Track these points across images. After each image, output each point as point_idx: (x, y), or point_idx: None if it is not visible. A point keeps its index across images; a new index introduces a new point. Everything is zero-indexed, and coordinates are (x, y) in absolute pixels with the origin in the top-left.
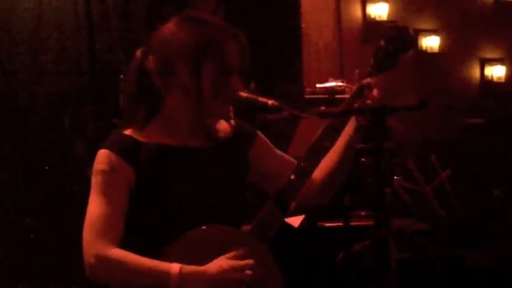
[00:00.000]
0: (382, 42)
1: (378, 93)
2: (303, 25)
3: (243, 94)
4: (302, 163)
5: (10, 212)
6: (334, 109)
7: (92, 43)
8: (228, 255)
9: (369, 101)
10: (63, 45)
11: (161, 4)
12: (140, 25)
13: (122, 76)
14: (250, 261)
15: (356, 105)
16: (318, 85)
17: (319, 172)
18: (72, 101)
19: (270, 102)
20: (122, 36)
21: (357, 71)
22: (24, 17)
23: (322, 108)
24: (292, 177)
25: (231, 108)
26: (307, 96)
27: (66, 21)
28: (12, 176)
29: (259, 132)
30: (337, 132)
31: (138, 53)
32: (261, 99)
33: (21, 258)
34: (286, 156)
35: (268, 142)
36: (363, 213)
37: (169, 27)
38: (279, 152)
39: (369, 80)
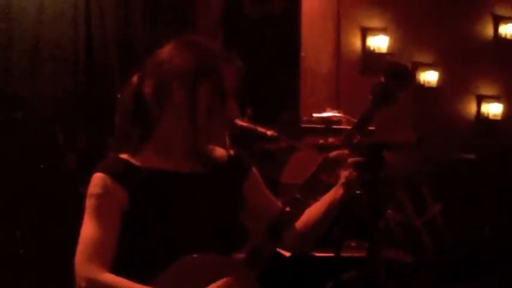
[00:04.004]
0: (382, 79)
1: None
2: (302, 54)
3: (242, 123)
4: (297, 195)
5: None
6: (332, 142)
7: (90, 60)
8: (217, 283)
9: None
10: (61, 62)
11: (162, 23)
12: (139, 46)
13: (118, 96)
14: None
15: (355, 140)
16: (314, 114)
17: (300, 222)
18: (66, 115)
19: (269, 132)
20: (120, 57)
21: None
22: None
23: (321, 141)
24: (287, 208)
25: (227, 135)
26: (303, 125)
27: (65, 40)
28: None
29: (254, 168)
30: (334, 165)
31: (135, 77)
32: (259, 129)
33: (10, 273)
34: (274, 198)
35: (261, 180)
36: (353, 244)
37: (167, 50)
38: (268, 191)
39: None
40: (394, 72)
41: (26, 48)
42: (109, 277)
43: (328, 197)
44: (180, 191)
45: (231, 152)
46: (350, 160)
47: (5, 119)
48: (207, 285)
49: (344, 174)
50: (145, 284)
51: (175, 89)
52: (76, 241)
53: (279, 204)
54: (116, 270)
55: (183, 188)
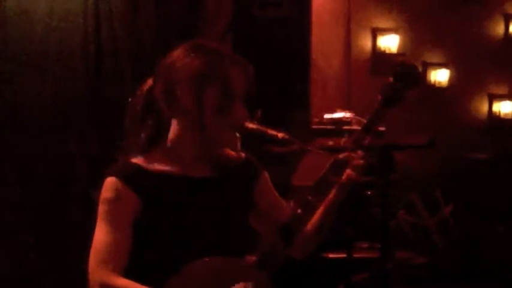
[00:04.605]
0: (390, 79)
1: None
2: (313, 55)
3: (252, 126)
4: (309, 196)
5: (11, 230)
6: (343, 144)
7: (99, 64)
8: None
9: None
10: (70, 64)
11: (169, 32)
12: (148, 49)
13: (130, 99)
14: None
15: (366, 142)
16: (325, 115)
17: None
18: (76, 120)
19: (279, 135)
20: (130, 59)
21: (345, 137)
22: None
23: (331, 143)
24: (299, 211)
25: (238, 138)
26: (314, 127)
27: (74, 42)
28: (12, 193)
29: (265, 171)
30: (344, 167)
31: (147, 80)
32: (270, 131)
33: (20, 276)
34: (283, 201)
35: (271, 183)
36: (365, 245)
37: (176, 54)
38: (278, 195)
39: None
40: (402, 72)
41: (36, 52)
42: (122, 281)
43: (327, 199)
44: (190, 195)
45: (242, 155)
46: (356, 162)
47: (14, 124)
48: None
49: (345, 174)
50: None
51: (182, 92)
52: (88, 247)
53: (289, 207)
54: (128, 274)
55: (193, 192)
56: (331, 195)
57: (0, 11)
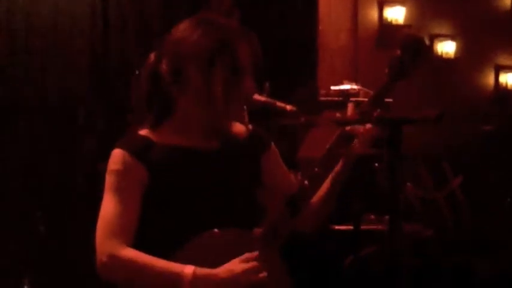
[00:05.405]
0: (398, 52)
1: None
2: (320, 27)
3: (261, 98)
4: (316, 169)
5: (20, 206)
6: (351, 116)
7: (107, 39)
8: (239, 258)
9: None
10: (77, 40)
11: (176, 4)
12: (155, 24)
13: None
14: (261, 264)
15: (375, 114)
16: (332, 87)
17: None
18: (84, 96)
19: (288, 107)
20: (137, 34)
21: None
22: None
23: (338, 115)
24: (306, 182)
25: (246, 111)
26: (321, 99)
27: (82, 18)
28: (21, 171)
29: (273, 143)
30: (351, 139)
31: (152, 56)
32: (279, 104)
33: (30, 251)
34: (291, 174)
35: (279, 155)
36: (372, 216)
37: (182, 29)
38: (285, 168)
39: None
40: (410, 45)
41: (45, 27)
42: (130, 252)
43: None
44: (199, 167)
45: (250, 127)
46: (364, 134)
47: (21, 101)
48: (229, 260)
49: (352, 146)
50: (166, 259)
51: (190, 68)
52: (95, 220)
53: (296, 180)
54: (137, 246)
55: (202, 164)
56: (338, 167)
57: None
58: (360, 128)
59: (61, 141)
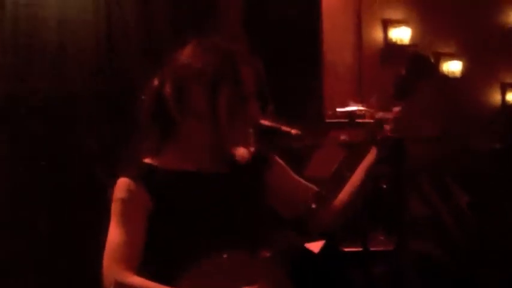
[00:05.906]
0: (403, 71)
1: (390, 129)
2: (324, 48)
3: (266, 123)
4: (323, 192)
5: (20, 206)
6: (356, 138)
7: (112, 52)
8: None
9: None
10: (83, 54)
11: (186, 15)
12: (162, 40)
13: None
14: None
15: (379, 137)
16: (338, 109)
17: (336, 200)
18: (88, 103)
19: (293, 131)
20: (142, 50)
21: (372, 98)
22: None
23: (343, 137)
24: (313, 205)
25: (252, 134)
26: (327, 120)
27: (87, 34)
28: (21, 171)
29: (276, 156)
30: (357, 162)
31: (155, 79)
32: (283, 128)
33: (30, 251)
34: (303, 181)
35: (286, 166)
36: (381, 237)
37: (186, 53)
38: (296, 176)
39: (381, 114)
40: (415, 63)
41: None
42: (137, 280)
43: (363, 166)
44: (203, 191)
45: (252, 149)
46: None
47: (31, 110)
48: (237, 286)
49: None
50: (173, 286)
51: (195, 93)
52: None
53: (310, 185)
54: (143, 272)
55: (206, 188)
56: (369, 156)
57: None
58: (389, 114)
59: (61, 141)
